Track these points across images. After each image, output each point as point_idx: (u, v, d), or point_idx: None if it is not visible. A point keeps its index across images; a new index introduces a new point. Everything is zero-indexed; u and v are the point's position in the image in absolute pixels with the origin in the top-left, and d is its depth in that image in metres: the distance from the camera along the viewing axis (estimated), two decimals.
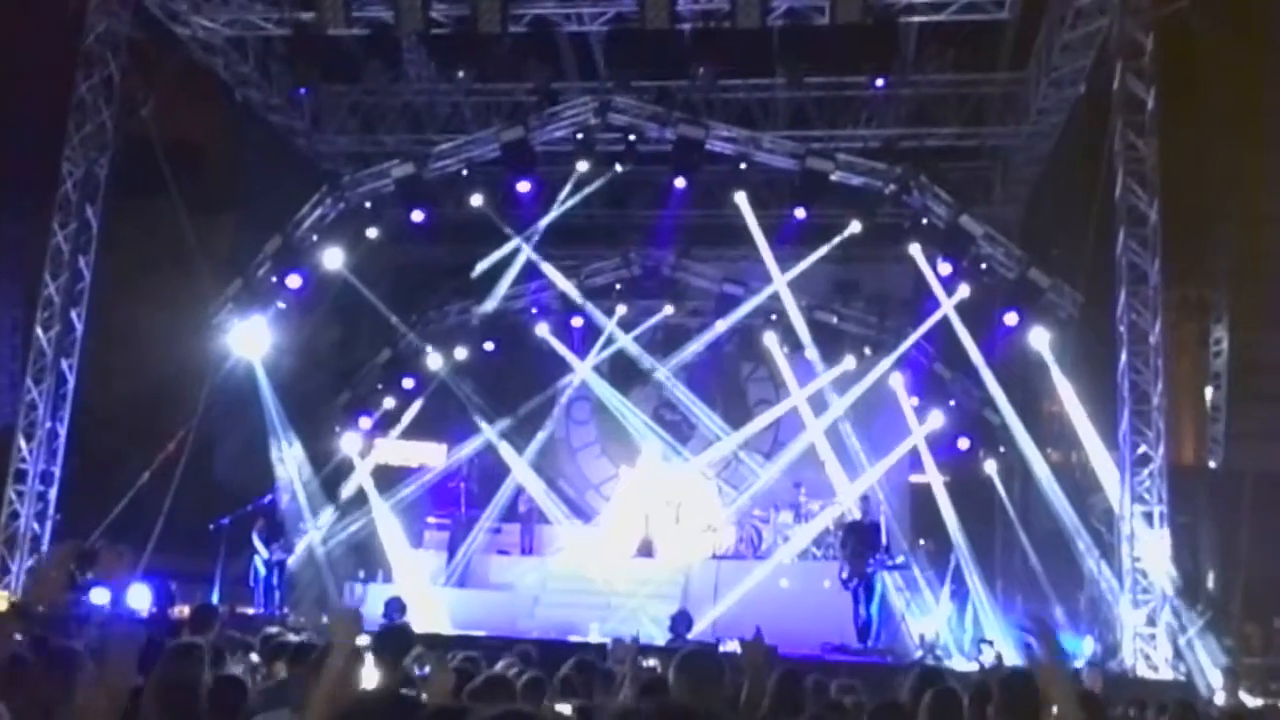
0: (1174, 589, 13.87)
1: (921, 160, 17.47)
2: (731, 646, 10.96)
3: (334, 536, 18.31)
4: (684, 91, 17.99)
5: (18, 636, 4.62)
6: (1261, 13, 15.52)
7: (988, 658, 14.28)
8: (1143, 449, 14.16)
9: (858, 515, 16.95)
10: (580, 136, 17.56)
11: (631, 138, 17.46)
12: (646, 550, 18.47)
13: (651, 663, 8.55)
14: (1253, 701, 12.47)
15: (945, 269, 17.35)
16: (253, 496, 17.06)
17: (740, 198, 18.08)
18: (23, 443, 15.90)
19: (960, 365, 17.98)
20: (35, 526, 15.74)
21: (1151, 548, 13.93)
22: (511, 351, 20.64)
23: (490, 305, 19.66)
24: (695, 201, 19.38)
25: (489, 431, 19.40)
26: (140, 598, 13.31)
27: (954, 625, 16.47)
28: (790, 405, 19.37)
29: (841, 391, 18.75)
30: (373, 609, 14.94)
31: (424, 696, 4.76)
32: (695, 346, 20.23)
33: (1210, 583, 17.61)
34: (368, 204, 17.72)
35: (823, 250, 18.33)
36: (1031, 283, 16.13)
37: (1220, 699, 12.21)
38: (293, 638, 7.88)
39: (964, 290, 17.18)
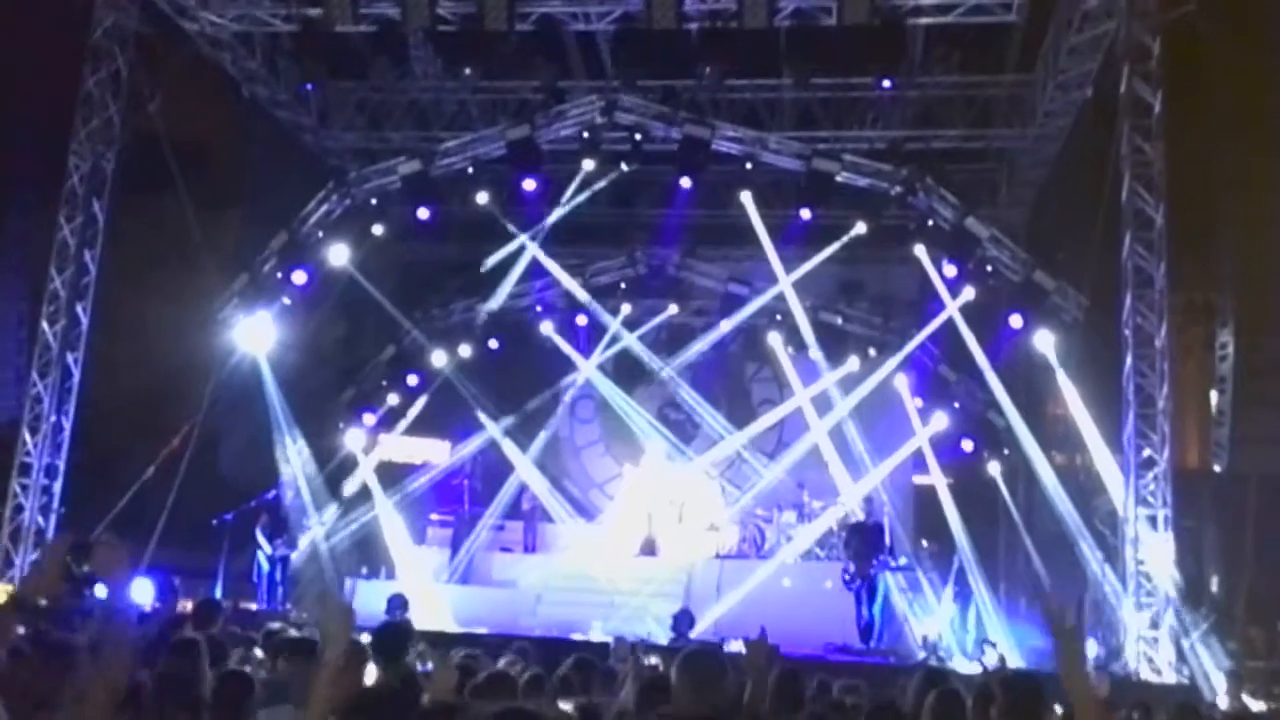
0: (1178, 592, 13.85)
1: (927, 162, 17.46)
2: (736, 646, 10.95)
3: (337, 532, 18.31)
4: (690, 91, 17.98)
5: (20, 630, 4.62)
6: (1267, 17, 15.48)
7: (990, 659, 14.26)
8: (1147, 452, 14.14)
9: (861, 516, 16.96)
10: (586, 135, 17.57)
11: (637, 137, 17.47)
12: (649, 549, 18.47)
13: (654, 661, 8.55)
14: (1256, 705, 12.44)
15: (950, 271, 17.35)
16: (257, 492, 17.09)
17: (746, 198, 18.10)
18: (28, 436, 15.93)
19: (965, 367, 17.97)
20: (40, 520, 15.78)
21: (1155, 551, 13.91)
22: (516, 349, 20.66)
23: (495, 303, 19.69)
24: (701, 201, 19.40)
25: (493, 429, 19.41)
26: (143, 592, 13.32)
27: (956, 627, 16.45)
28: (794, 405, 19.38)
29: (846, 392, 18.75)
30: (366, 605, 14.88)
31: (426, 694, 4.76)
32: (700, 346, 20.26)
33: (1214, 586, 17.57)
34: (374, 201, 17.74)
35: (828, 251, 18.38)
36: (1037, 285, 16.11)
37: (1224, 703, 12.19)
38: (295, 633, 7.90)
39: (969, 292, 17.18)
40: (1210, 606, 15.53)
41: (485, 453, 19.83)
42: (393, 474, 19.53)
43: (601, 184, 18.71)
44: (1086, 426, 15.80)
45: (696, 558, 17.97)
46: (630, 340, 20.12)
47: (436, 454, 20.57)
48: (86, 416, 16.28)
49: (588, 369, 20.04)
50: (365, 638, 6.17)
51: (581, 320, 20.30)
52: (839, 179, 16.88)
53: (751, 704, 4.97)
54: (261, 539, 16.60)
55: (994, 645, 14.79)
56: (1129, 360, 14.33)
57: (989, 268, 16.61)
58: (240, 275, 17.26)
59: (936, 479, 18.62)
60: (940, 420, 18.80)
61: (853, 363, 19.33)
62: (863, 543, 15.79)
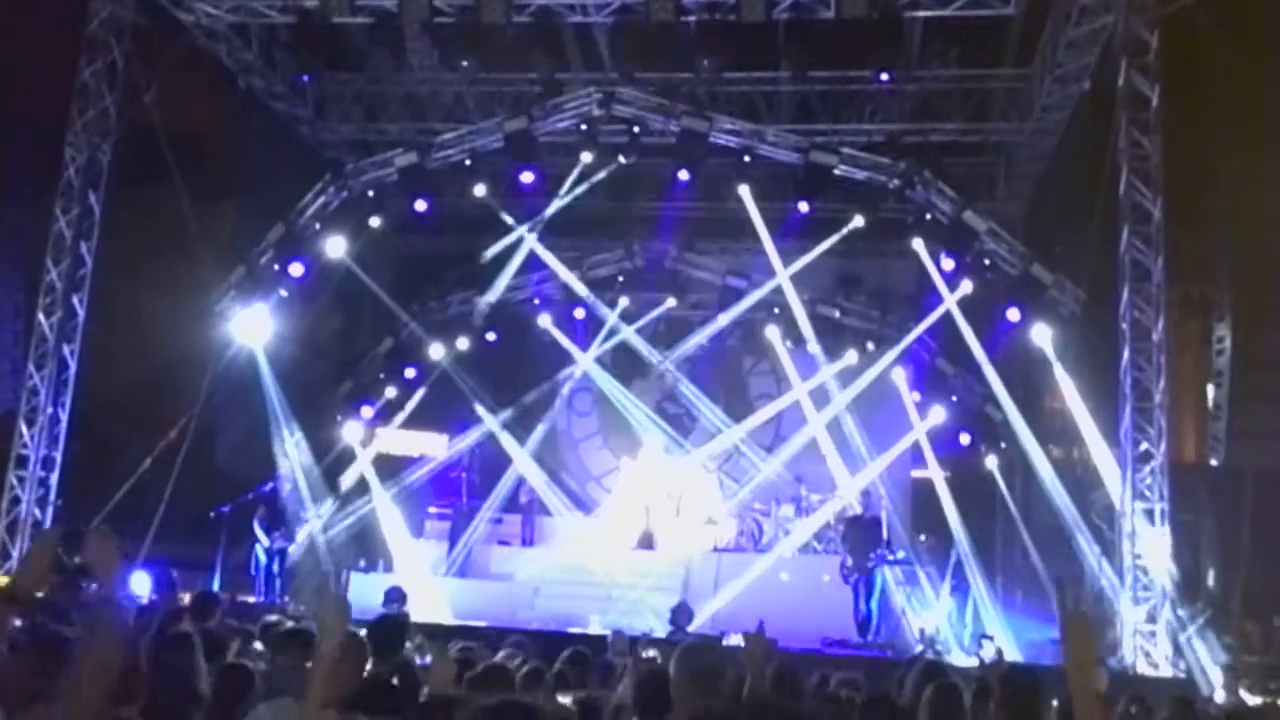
0: (1174, 586, 13.87)
1: (925, 155, 17.46)
2: (735, 640, 10.96)
3: (335, 525, 18.31)
4: (688, 84, 17.97)
5: (17, 622, 4.61)
6: (1264, 11, 15.47)
7: (988, 653, 14.28)
8: (1144, 446, 14.15)
9: (859, 509, 16.96)
10: (584, 128, 17.54)
11: (635, 129, 17.46)
12: (647, 542, 18.48)
13: (651, 654, 8.55)
14: (1252, 699, 12.46)
15: (948, 264, 17.34)
16: (254, 484, 17.09)
17: (744, 191, 18.07)
18: (24, 428, 15.93)
19: (962, 361, 17.97)
20: (37, 512, 15.78)
21: (1152, 545, 13.93)
22: (514, 342, 20.65)
23: (492, 296, 19.65)
24: (699, 194, 19.38)
25: (490, 422, 19.39)
26: (141, 585, 13.32)
27: (954, 620, 16.48)
28: (792, 399, 19.37)
29: (843, 386, 18.74)
30: (363, 598, 14.85)
31: (424, 686, 4.76)
32: (697, 339, 20.22)
33: (1211, 580, 17.59)
34: (370, 193, 17.72)
35: (826, 244, 18.36)
36: (1034, 279, 16.11)
37: (1220, 697, 12.23)
38: (292, 625, 7.88)
39: (967, 286, 17.18)
40: (1207, 600, 15.56)
41: (483, 446, 19.83)
42: (390, 467, 19.51)
43: (599, 176, 18.64)
44: (1084, 420, 15.82)
45: (694, 551, 17.97)
46: (628, 333, 20.11)
47: (434, 447, 20.53)
48: (83, 409, 16.27)
49: (585, 362, 20.02)
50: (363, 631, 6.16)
51: (579, 313, 20.28)
52: (837, 172, 16.88)
53: (750, 697, 4.97)
54: (259, 532, 16.60)
55: (991, 639, 14.80)
56: (1126, 354, 14.34)
57: (987, 261, 16.61)
58: (237, 267, 17.24)
59: (934, 472, 18.63)
60: (938, 414, 18.81)
61: (851, 356, 19.33)
62: (860, 536, 15.80)
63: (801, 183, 17.50)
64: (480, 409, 19.50)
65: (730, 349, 21.37)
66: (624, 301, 20.23)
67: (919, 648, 15.04)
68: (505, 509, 19.45)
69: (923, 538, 18.60)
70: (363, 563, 18.15)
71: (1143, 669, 13.54)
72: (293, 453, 17.86)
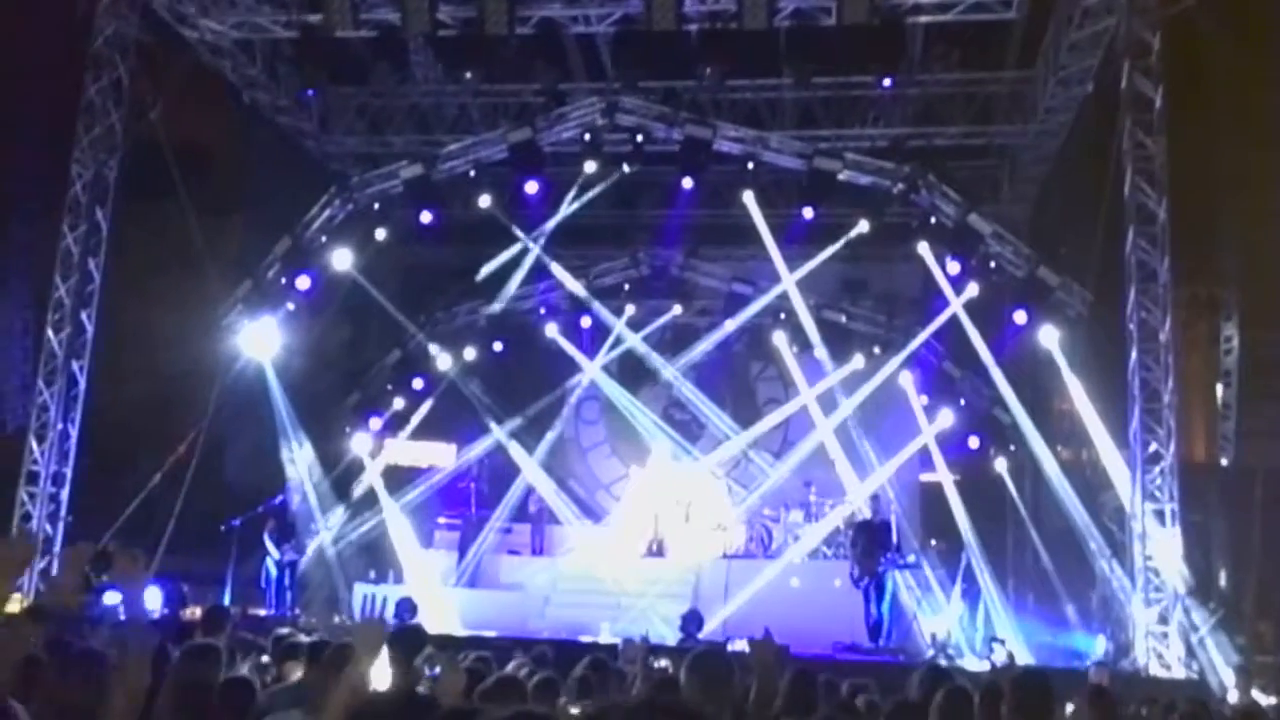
0: (1186, 587, 13.82)
1: (929, 159, 17.45)
2: (740, 646, 10.96)
3: (345, 537, 18.35)
4: (691, 92, 17.97)
5: (41, 639, 4.64)
6: (1266, 12, 15.48)
7: (999, 657, 14.26)
8: (1154, 447, 14.12)
9: (868, 514, 16.93)
10: (588, 137, 17.57)
11: (639, 138, 17.46)
12: (657, 550, 18.48)
13: (663, 663, 8.55)
14: (1266, 700, 12.40)
15: (954, 268, 17.34)
16: (264, 497, 17.09)
17: (748, 197, 18.09)
18: (34, 444, 15.96)
19: (970, 364, 17.96)
20: (48, 528, 15.79)
21: (1163, 546, 13.89)
22: (520, 352, 20.66)
23: (499, 306, 19.70)
24: (703, 201, 19.40)
25: (498, 432, 19.42)
26: (152, 599, 13.34)
27: (965, 624, 16.43)
28: (799, 404, 19.38)
29: (851, 390, 18.74)
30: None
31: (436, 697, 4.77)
32: (704, 346, 20.24)
33: (1222, 581, 17.56)
34: (376, 205, 17.76)
35: (831, 249, 18.38)
36: (1040, 281, 16.10)
37: (1233, 697, 12.16)
38: (304, 638, 7.89)
39: (973, 289, 17.18)
40: (1218, 601, 15.49)
41: (491, 455, 19.86)
42: (399, 478, 19.55)
43: (603, 185, 18.70)
44: (1092, 422, 15.78)
45: (704, 558, 17.98)
46: (634, 341, 20.12)
47: (443, 457, 20.57)
48: (93, 424, 16.30)
49: (592, 370, 20.04)
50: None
51: (585, 322, 20.30)
52: (841, 177, 16.88)
53: (758, 704, 4.98)
54: (269, 545, 16.61)
55: (1003, 642, 14.78)
56: (1134, 355, 14.31)
57: (992, 264, 16.60)
58: (244, 281, 17.28)
59: (943, 476, 18.62)
60: (946, 417, 18.78)
61: (857, 361, 19.32)
62: (870, 541, 15.77)
63: (806, 188, 17.51)
64: (488, 419, 19.53)
65: (737, 355, 21.37)
66: (630, 309, 20.26)
67: (930, 652, 15.04)
68: (514, 518, 19.48)
69: (933, 541, 18.52)
70: (372, 574, 18.16)
71: (1155, 671, 13.49)
72: (302, 465, 17.90)
